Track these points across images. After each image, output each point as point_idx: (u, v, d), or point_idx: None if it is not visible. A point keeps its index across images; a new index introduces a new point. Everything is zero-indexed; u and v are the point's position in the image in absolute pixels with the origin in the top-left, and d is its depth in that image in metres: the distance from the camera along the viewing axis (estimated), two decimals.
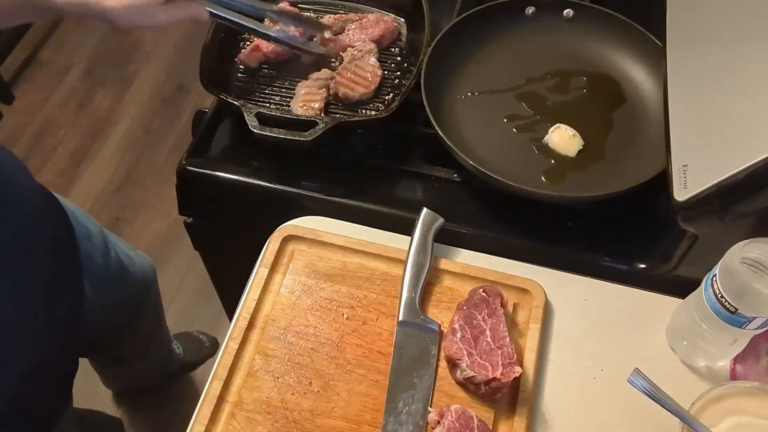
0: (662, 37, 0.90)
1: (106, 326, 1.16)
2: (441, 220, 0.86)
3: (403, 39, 1.09)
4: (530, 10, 1.07)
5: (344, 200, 0.96)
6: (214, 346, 1.81)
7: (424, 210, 0.87)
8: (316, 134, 0.91)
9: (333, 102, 1.02)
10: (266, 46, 1.04)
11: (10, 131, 2.26)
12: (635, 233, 0.92)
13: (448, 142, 0.90)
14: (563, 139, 0.95)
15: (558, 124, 0.97)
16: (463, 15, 1.04)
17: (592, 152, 0.96)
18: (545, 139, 0.96)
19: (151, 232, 2.01)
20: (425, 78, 0.96)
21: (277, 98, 1.03)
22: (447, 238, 0.90)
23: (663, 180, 0.79)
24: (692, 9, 0.87)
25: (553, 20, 1.07)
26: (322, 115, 0.98)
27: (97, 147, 2.22)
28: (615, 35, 1.04)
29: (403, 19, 1.11)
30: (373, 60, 1.03)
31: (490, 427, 0.74)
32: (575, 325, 0.84)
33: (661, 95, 0.88)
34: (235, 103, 0.96)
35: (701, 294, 0.74)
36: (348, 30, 1.08)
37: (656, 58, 0.97)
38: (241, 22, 0.94)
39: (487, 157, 0.94)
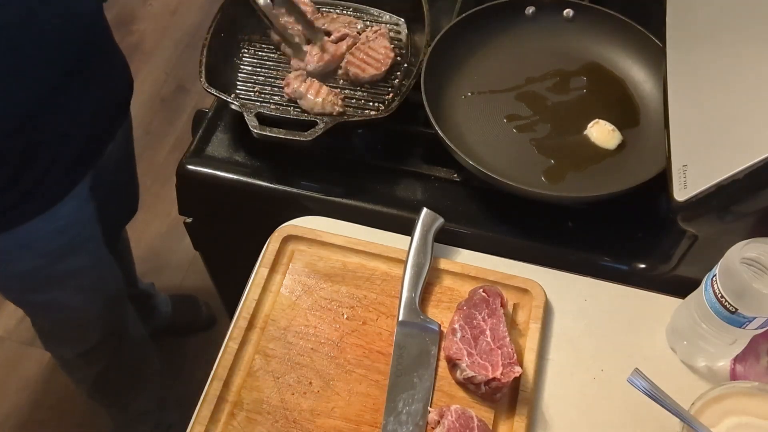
0: (662, 37, 0.90)
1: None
2: (441, 220, 0.86)
3: (403, 39, 1.09)
4: (530, 10, 1.07)
5: (344, 200, 0.96)
6: (209, 322, 1.84)
7: (424, 210, 0.87)
8: (316, 134, 0.91)
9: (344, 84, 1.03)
10: None
11: None
12: (635, 233, 0.92)
13: (448, 142, 0.90)
14: (603, 133, 0.96)
15: (596, 120, 0.98)
16: (463, 15, 1.04)
17: (592, 152, 0.96)
18: (585, 132, 0.97)
19: (151, 232, 2.01)
20: (425, 78, 0.96)
21: (277, 98, 1.03)
22: (447, 238, 0.90)
23: (663, 180, 0.79)
24: (692, 9, 0.87)
25: (553, 20, 1.07)
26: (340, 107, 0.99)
27: None
28: (615, 35, 1.04)
29: (403, 19, 1.11)
30: (386, 42, 1.04)
31: (490, 427, 0.74)
32: (575, 325, 0.84)
33: (661, 95, 0.88)
34: (234, 103, 0.96)
35: (701, 294, 0.74)
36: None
37: (656, 58, 0.97)
38: None
39: (487, 157, 0.94)
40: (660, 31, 0.91)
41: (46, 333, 1.33)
